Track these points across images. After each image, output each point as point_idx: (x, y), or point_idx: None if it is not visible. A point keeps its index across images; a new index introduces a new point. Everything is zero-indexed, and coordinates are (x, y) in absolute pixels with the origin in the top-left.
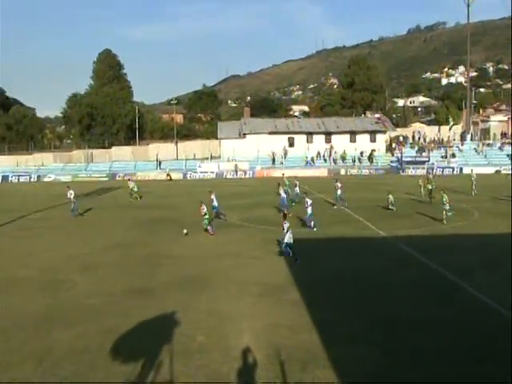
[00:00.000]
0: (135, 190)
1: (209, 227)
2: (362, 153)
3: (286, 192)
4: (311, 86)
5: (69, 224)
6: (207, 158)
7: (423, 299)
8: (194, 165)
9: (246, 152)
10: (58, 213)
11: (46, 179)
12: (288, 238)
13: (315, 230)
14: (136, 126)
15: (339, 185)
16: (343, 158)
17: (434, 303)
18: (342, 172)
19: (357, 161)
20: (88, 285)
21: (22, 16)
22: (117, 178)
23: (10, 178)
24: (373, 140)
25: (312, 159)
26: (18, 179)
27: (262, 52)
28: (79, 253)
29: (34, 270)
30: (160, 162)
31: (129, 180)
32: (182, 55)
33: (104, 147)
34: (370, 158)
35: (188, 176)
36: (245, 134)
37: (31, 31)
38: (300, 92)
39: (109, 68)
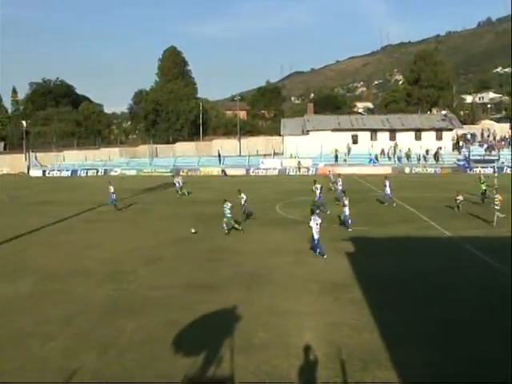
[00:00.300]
0: (182, 186)
1: (224, 225)
2: (427, 151)
3: (337, 189)
4: (375, 82)
5: (133, 217)
6: (270, 155)
7: (488, 301)
8: (256, 161)
9: (308, 149)
10: (122, 206)
11: (112, 173)
12: (316, 233)
13: (350, 230)
14: (200, 122)
15: (387, 183)
16: (408, 156)
17: (499, 304)
18: (407, 170)
19: (422, 159)
20: (151, 277)
21: (91, 16)
22: (180, 174)
23: (78, 172)
24: (439, 138)
25: (376, 157)
26: (87, 173)
27: (326, 48)
28: (143, 246)
29: (99, 262)
30: (222, 158)
31: (173, 177)
32: (246, 52)
33: (168, 143)
34: (436, 156)
35: (251, 172)
36: (308, 131)
37: (100, 30)
38: (364, 88)
39: (174, 65)
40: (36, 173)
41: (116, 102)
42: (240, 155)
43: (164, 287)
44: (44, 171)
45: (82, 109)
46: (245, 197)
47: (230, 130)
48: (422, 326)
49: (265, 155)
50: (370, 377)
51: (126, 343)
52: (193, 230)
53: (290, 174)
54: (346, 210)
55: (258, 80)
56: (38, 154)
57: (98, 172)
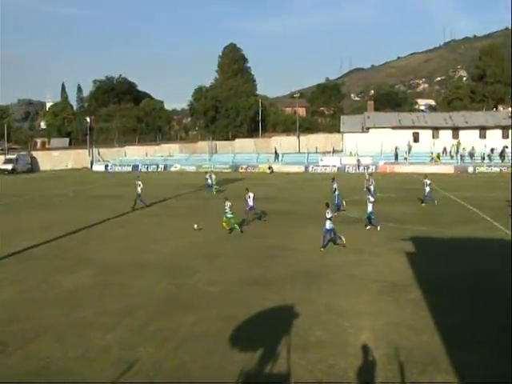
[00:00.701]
0: (214, 182)
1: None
2: (492, 149)
3: (370, 189)
4: (438, 78)
5: (192, 213)
6: (329, 152)
7: None
8: (315, 158)
9: (368, 146)
10: (182, 201)
11: (172, 169)
12: (329, 225)
13: (368, 228)
14: (259, 119)
15: (428, 181)
16: (471, 155)
17: None
18: (470, 170)
19: (486, 158)
20: (209, 272)
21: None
22: (239, 170)
23: (139, 168)
24: (505, 136)
25: (438, 155)
26: (147, 168)
27: (386, 44)
28: (201, 241)
29: (159, 255)
30: (278, 155)
31: (206, 172)
32: (306, 48)
33: (227, 139)
34: (502, 154)
35: (310, 169)
36: (368, 128)
37: (161, 28)
38: (426, 85)
39: (233, 62)
40: (98, 168)
41: (176, 99)
42: (299, 152)
43: (221, 282)
44: (106, 166)
45: (143, 105)
46: (252, 195)
47: (289, 126)
48: (484, 329)
49: (324, 153)
50: (429, 380)
51: (183, 337)
52: (195, 226)
53: (350, 171)
54: (370, 207)
55: (317, 77)
56: (100, 150)
57: (158, 167)
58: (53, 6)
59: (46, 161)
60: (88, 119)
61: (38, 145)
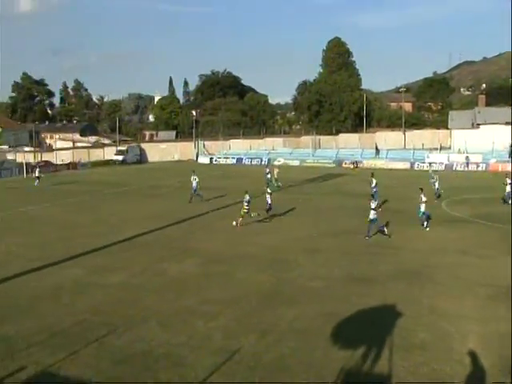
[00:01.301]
0: (275, 177)
1: (239, 219)
2: None
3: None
4: None
5: (294, 208)
6: (436, 149)
7: None
8: (421, 155)
9: (478, 143)
10: (284, 195)
11: (275, 163)
12: (372, 215)
13: (427, 229)
14: (363, 114)
15: (509, 181)
16: None
17: None
18: None
19: None
20: (311, 267)
21: (255, 8)
22: (343, 165)
23: (243, 161)
24: None
25: None
26: (251, 162)
27: (499, 35)
28: (304, 235)
29: (262, 248)
30: (379, 151)
31: (266, 167)
32: (412, 41)
33: (331, 134)
34: None
35: (415, 166)
36: (478, 124)
37: (265, 22)
38: None
39: (338, 55)
40: (204, 160)
41: (280, 93)
42: (404, 148)
43: (323, 278)
44: (211, 158)
45: (248, 99)
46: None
47: (394, 122)
48: None
49: (430, 149)
50: None
51: (284, 330)
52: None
53: (458, 169)
54: (422, 207)
55: (424, 70)
56: (205, 142)
57: (261, 161)
58: (162, 3)
59: (154, 152)
60: (194, 113)
61: (147, 137)
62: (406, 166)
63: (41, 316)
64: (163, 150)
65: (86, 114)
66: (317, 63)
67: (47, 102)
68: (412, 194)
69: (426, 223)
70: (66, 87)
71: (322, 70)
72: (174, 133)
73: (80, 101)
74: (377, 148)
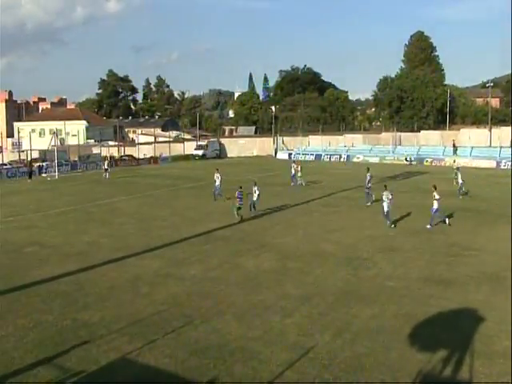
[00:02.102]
0: (299, 174)
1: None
2: None
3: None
4: None
5: (372, 205)
6: None
7: None
8: (509, 153)
9: None
10: (362, 193)
11: (354, 159)
12: (386, 207)
13: (429, 227)
14: (446, 110)
15: None
16: None
17: None
18: None
19: None
20: (388, 267)
21: (335, 3)
22: (424, 163)
23: (322, 157)
24: None
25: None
26: (330, 158)
27: None
28: (381, 234)
29: (338, 245)
30: (456, 148)
31: (294, 162)
32: (500, 34)
33: (412, 131)
34: None
35: (502, 165)
36: None
37: (346, 17)
38: None
39: (420, 50)
40: (282, 156)
41: (361, 89)
42: (490, 146)
43: (400, 278)
44: (290, 154)
45: (328, 95)
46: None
47: (480, 118)
48: None
49: None
50: None
51: (359, 329)
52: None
53: None
54: (435, 204)
55: None
56: (284, 138)
57: (340, 158)
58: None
59: (233, 147)
60: (273, 108)
61: (226, 132)
62: (492, 164)
63: (120, 305)
64: (242, 146)
65: (167, 109)
66: (398, 58)
67: (131, 98)
68: (496, 193)
69: (446, 220)
70: (148, 83)
71: (403, 66)
72: (253, 128)
73: (162, 96)
74: (454, 145)
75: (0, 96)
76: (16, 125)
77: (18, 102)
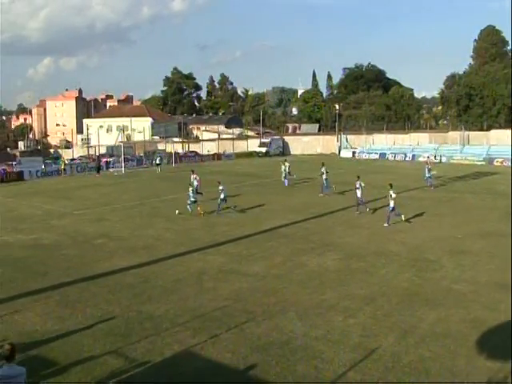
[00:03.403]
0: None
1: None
2: None
3: None
4: None
5: (437, 206)
6: None
7: None
8: None
9: None
10: (427, 193)
11: (420, 159)
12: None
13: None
14: None
15: None
16: None
17: None
18: None
19: None
20: (455, 269)
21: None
22: (494, 164)
23: (386, 156)
24: None
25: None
26: (394, 157)
27: None
28: (448, 235)
29: (403, 246)
30: None
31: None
32: None
33: (482, 129)
34: None
35: None
36: None
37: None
38: None
39: (491, 45)
40: (346, 154)
41: (427, 87)
42: None
43: (468, 282)
44: (353, 153)
45: (392, 93)
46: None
47: None
48: None
49: None
50: None
51: (424, 333)
52: (177, 211)
53: None
54: (392, 203)
55: None
56: (348, 136)
57: (405, 157)
58: None
59: (297, 145)
60: (337, 106)
61: (290, 130)
62: None
63: (185, 299)
64: (306, 143)
65: (231, 106)
66: (467, 54)
67: (195, 95)
68: None
69: (388, 220)
70: (212, 81)
71: (472, 62)
72: (316, 126)
73: (225, 94)
74: None
75: (71, 94)
76: (85, 121)
77: (87, 99)
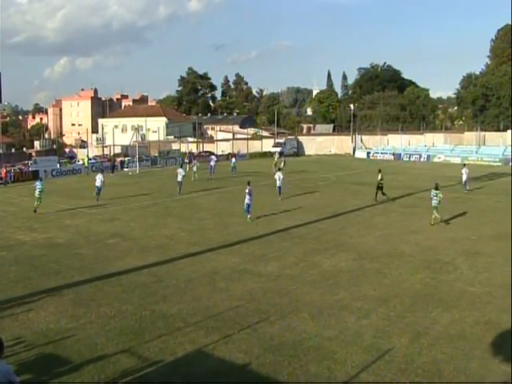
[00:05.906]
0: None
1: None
2: None
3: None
4: None
5: (450, 206)
6: None
7: None
8: None
9: None
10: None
11: (435, 160)
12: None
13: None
14: None
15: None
16: None
17: None
18: None
19: None
20: (470, 271)
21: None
22: (510, 164)
23: (401, 156)
24: None
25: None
26: (409, 158)
27: None
28: (463, 237)
29: (417, 247)
30: None
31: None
32: None
33: (498, 130)
34: None
35: None
36: None
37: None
38: None
39: (509, 45)
40: (360, 154)
41: (442, 87)
42: None
43: (484, 283)
44: (368, 153)
45: (408, 93)
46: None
47: None
48: None
49: None
50: None
51: (438, 335)
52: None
53: None
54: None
55: None
56: (363, 137)
57: (420, 157)
58: None
59: (311, 145)
60: (352, 106)
61: (304, 130)
62: None
63: (197, 298)
64: (320, 144)
65: (245, 106)
66: (483, 54)
67: (210, 95)
68: None
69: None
70: (227, 81)
71: (489, 62)
72: (331, 126)
73: (240, 94)
74: None
75: (86, 94)
76: (100, 121)
77: (103, 99)
